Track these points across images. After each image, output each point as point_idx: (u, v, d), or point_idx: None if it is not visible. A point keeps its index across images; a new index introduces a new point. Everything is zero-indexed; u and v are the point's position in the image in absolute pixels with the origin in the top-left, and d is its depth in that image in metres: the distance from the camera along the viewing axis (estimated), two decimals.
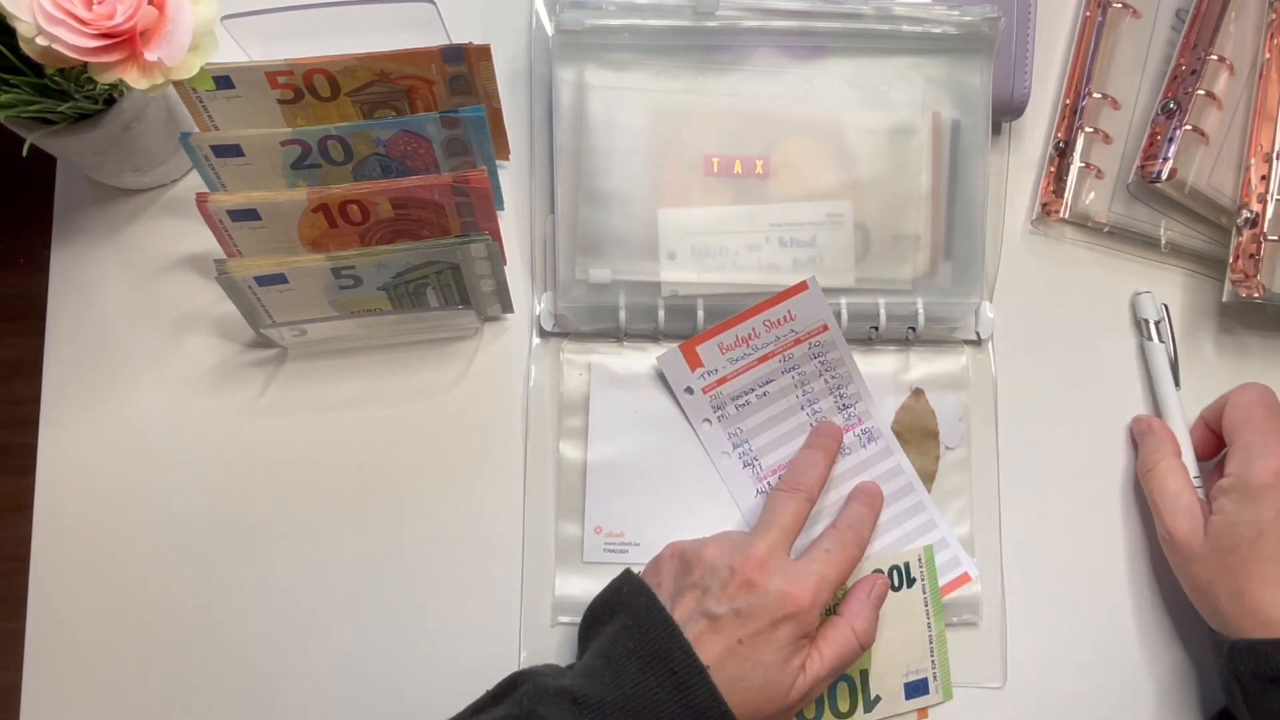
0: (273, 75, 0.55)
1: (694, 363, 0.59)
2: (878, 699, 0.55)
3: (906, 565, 0.57)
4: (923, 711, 0.56)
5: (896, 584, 0.56)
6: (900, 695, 0.56)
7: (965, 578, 0.59)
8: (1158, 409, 0.61)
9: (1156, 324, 0.61)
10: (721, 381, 0.59)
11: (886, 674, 0.56)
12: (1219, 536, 0.52)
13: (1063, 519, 0.61)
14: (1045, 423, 0.61)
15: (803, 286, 0.57)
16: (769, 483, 0.59)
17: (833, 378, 0.59)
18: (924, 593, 0.56)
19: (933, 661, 0.56)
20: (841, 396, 0.59)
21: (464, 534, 0.59)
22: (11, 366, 0.61)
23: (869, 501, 0.56)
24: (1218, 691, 0.57)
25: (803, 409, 0.60)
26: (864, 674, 0.55)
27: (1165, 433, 0.58)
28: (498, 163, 0.63)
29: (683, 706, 0.46)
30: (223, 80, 0.54)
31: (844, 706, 0.55)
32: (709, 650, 0.47)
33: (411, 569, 0.59)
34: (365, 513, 0.59)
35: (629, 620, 0.49)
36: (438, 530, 0.59)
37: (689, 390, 0.59)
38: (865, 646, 0.52)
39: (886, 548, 0.58)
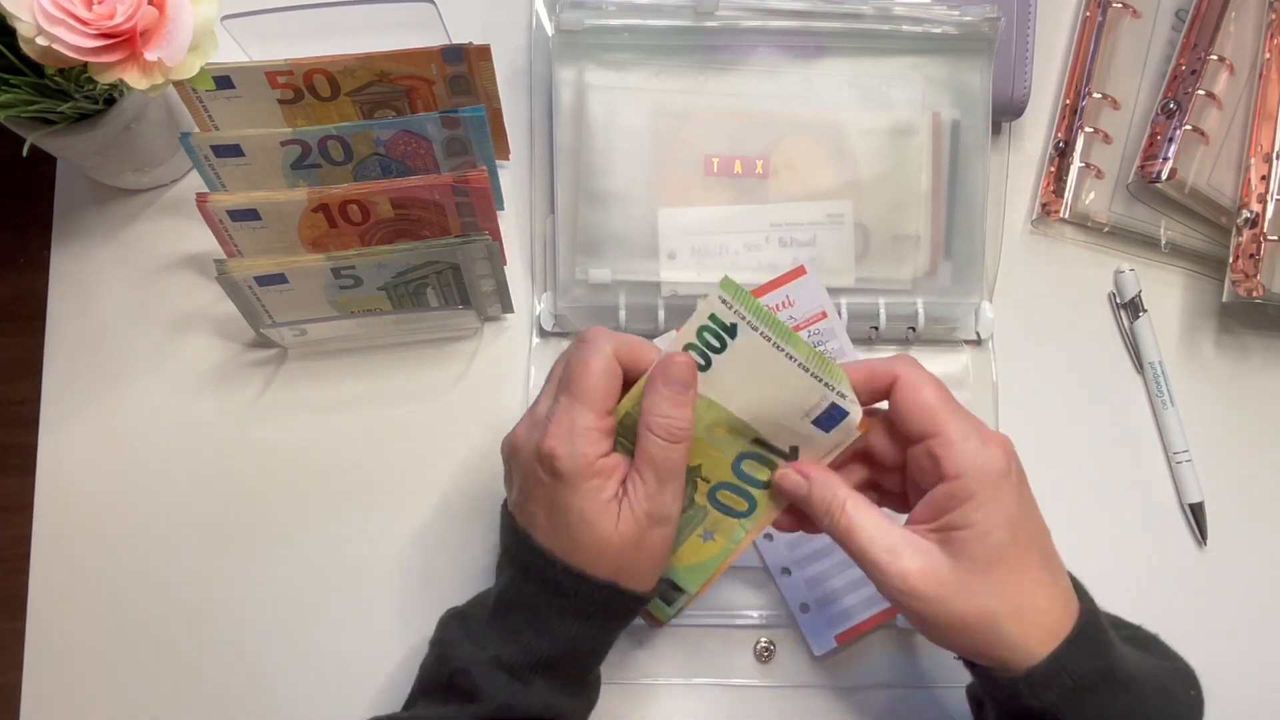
0: (273, 75, 0.55)
1: None
2: (794, 449, 0.48)
3: (714, 321, 0.45)
4: (863, 425, 0.46)
5: (717, 345, 0.46)
6: (817, 434, 0.47)
7: None
8: (1153, 404, 0.61)
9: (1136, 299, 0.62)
10: None
11: (786, 426, 0.47)
12: (974, 555, 0.42)
13: (1063, 518, 0.60)
14: (1045, 422, 0.61)
15: (800, 271, 0.57)
16: None
17: None
18: (755, 330, 0.45)
19: (825, 383, 0.45)
20: None
21: (464, 533, 0.59)
22: (11, 366, 0.61)
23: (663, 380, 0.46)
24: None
25: None
26: (759, 442, 0.48)
27: (825, 471, 0.47)
28: (498, 163, 0.63)
29: (550, 588, 0.46)
30: (223, 80, 0.55)
31: (762, 476, 0.49)
32: (540, 532, 0.46)
33: (412, 569, 0.59)
34: (365, 512, 0.59)
35: (503, 538, 0.49)
36: (438, 530, 0.59)
37: None
38: (668, 434, 0.44)
39: None
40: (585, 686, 0.50)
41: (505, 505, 0.49)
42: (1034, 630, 0.43)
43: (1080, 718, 0.43)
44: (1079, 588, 0.46)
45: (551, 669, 0.46)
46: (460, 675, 0.46)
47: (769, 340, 0.45)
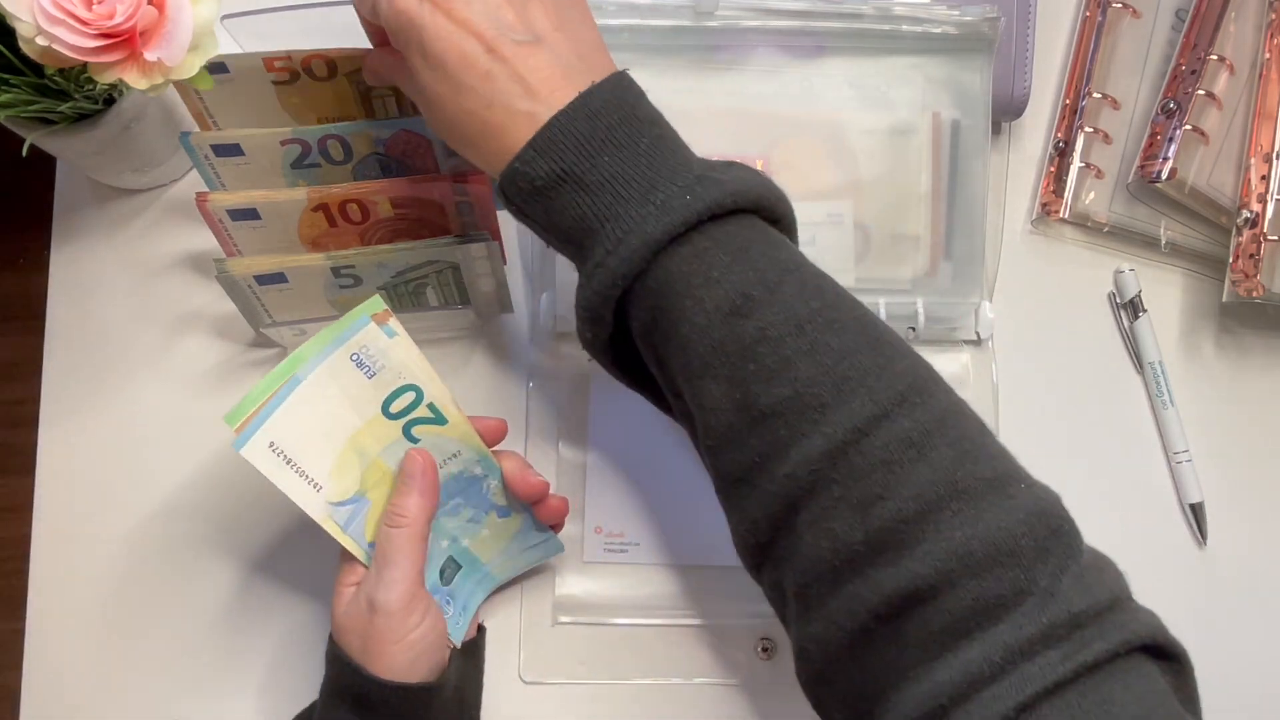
0: (270, 60, 0.54)
1: None
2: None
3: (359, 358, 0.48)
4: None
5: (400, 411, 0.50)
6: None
7: None
8: (1153, 404, 0.61)
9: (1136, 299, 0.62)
10: None
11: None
12: (440, 103, 0.43)
13: None
14: (1045, 422, 0.61)
15: None
16: None
17: None
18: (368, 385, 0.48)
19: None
20: None
21: None
22: (11, 366, 0.61)
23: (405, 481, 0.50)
24: None
25: None
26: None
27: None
28: None
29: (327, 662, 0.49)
30: (217, 66, 0.54)
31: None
32: None
33: None
34: None
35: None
36: None
37: None
38: (389, 519, 0.48)
39: None
40: None
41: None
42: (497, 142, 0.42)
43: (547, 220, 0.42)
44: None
45: None
46: None
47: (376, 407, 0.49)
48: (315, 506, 0.49)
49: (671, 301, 0.40)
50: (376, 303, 0.48)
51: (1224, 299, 0.60)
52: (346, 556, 0.50)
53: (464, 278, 0.57)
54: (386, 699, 0.47)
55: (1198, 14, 0.62)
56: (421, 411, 0.50)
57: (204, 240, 0.55)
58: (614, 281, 0.40)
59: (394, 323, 0.48)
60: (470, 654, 0.54)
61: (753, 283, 0.39)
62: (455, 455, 0.51)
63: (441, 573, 0.53)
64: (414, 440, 0.50)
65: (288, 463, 0.47)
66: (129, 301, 0.62)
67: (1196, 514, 0.61)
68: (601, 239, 0.40)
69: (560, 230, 0.42)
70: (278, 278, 0.54)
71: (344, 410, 0.48)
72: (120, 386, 0.61)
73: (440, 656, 0.50)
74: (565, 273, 0.59)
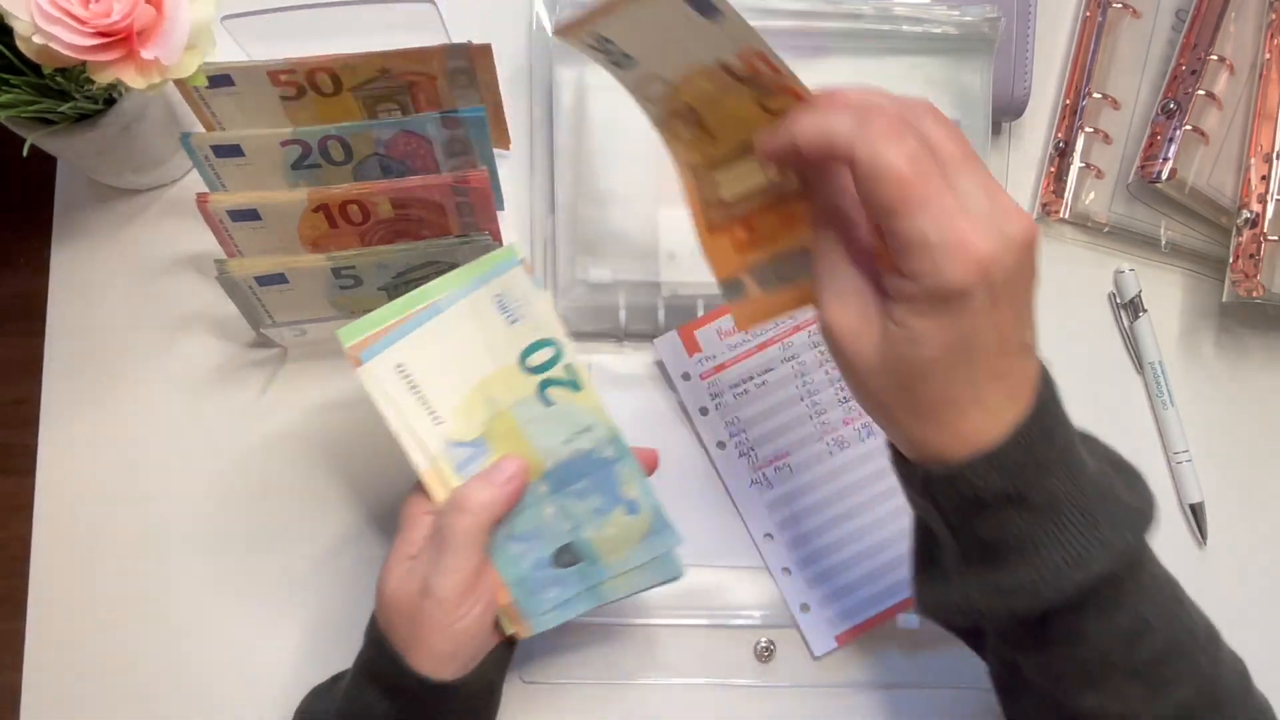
0: (275, 74, 0.55)
1: (692, 347, 0.59)
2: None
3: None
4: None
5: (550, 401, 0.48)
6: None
7: None
8: (1153, 404, 0.61)
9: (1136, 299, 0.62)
10: (720, 368, 0.59)
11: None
12: (898, 357, 0.37)
13: None
14: None
15: None
16: (764, 473, 0.59)
17: (833, 368, 0.59)
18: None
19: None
20: (843, 388, 0.59)
21: None
22: (11, 366, 0.61)
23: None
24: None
25: (802, 400, 0.59)
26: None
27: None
28: (499, 151, 0.63)
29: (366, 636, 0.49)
30: (223, 79, 0.54)
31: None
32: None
33: None
34: (365, 512, 0.59)
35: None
36: None
37: (686, 376, 0.59)
38: (455, 502, 0.46)
39: (879, 544, 0.59)
40: None
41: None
42: (941, 438, 0.38)
43: (970, 533, 0.40)
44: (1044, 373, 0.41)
45: None
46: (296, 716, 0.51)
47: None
48: (431, 440, 0.47)
49: (1084, 621, 0.40)
50: (515, 250, 0.47)
51: (1224, 299, 0.60)
52: (411, 526, 0.48)
53: None
54: (420, 695, 0.46)
55: (1198, 14, 0.62)
56: (558, 372, 0.48)
57: (204, 240, 0.55)
58: (1038, 605, 0.39)
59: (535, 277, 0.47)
60: (507, 645, 0.52)
61: (1151, 612, 0.42)
62: (586, 430, 0.49)
63: (557, 555, 0.50)
64: (548, 402, 0.48)
65: (412, 388, 0.46)
66: (129, 301, 0.62)
67: (1196, 514, 0.61)
68: (1036, 564, 0.39)
69: (975, 536, 0.40)
70: (278, 278, 0.54)
71: (479, 350, 0.47)
72: (120, 386, 0.61)
73: (483, 647, 0.48)
74: (566, 273, 0.59)
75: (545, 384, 0.48)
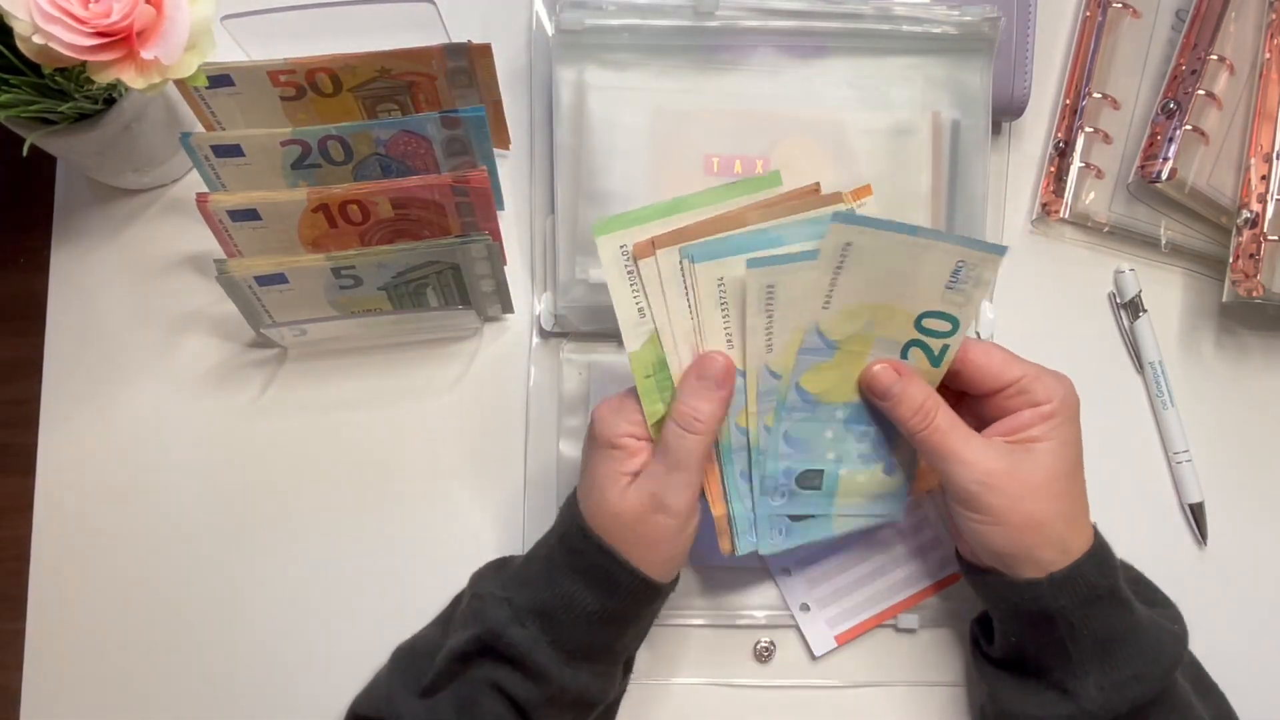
0: (274, 74, 0.55)
1: None
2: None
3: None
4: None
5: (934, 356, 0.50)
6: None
7: (955, 577, 0.58)
8: (1153, 404, 0.61)
9: (1136, 299, 0.62)
10: None
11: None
12: (1053, 464, 0.48)
13: None
14: None
15: None
16: None
17: None
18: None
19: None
20: None
21: (464, 533, 0.59)
22: (11, 366, 0.61)
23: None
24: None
25: None
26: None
27: (920, 377, 0.50)
28: (499, 151, 0.63)
29: (563, 542, 0.50)
30: (223, 79, 0.55)
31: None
32: (579, 490, 0.51)
33: (412, 568, 0.59)
34: (365, 512, 0.59)
35: None
36: (438, 530, 0.59)
37: None
38: (684, 422, 0.47)
39: (879, 544, 0.59)
40: (585, 657, 0.50)
41: None
42: (1067, 541, 0.48)
43: (1087, 623, 0.48)
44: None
45: (547, 618, 0.49)
46: (475, 600, 0.52)
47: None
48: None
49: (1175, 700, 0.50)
50: (1005, 249, 0.48)
51: (1224, 299, 0.60)
52: (621, 448, 0.48)
53: (464, 278, 0.57)
54: (637, 592, 0.49)
55: (1198, 14, 0.62)
56: (934, 344, 0.49)
57: (204, 240, 0.55)
58: (1149, 693, 0.48)
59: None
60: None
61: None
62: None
63: (804, 474, 0.51)
64: (904, 356, 0.50)
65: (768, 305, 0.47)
66: (129, 301, 0.62)
67: (1196, 514, 0.61)
68: (1144, 652, 0.49)
69: (1091, 630, 0.48)
70: (278, 278, 0.54)
71: (898, 282, 0.48)
72: (120, 386, 0.61)
73: (684, 561, 0.51)
74: (566, 273, 0.59)
75: (915, 342, 0.49)
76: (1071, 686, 0.49)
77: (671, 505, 0.48)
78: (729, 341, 0.48)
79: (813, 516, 0.52)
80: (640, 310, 0.47)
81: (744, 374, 0.49)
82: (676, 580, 0.52)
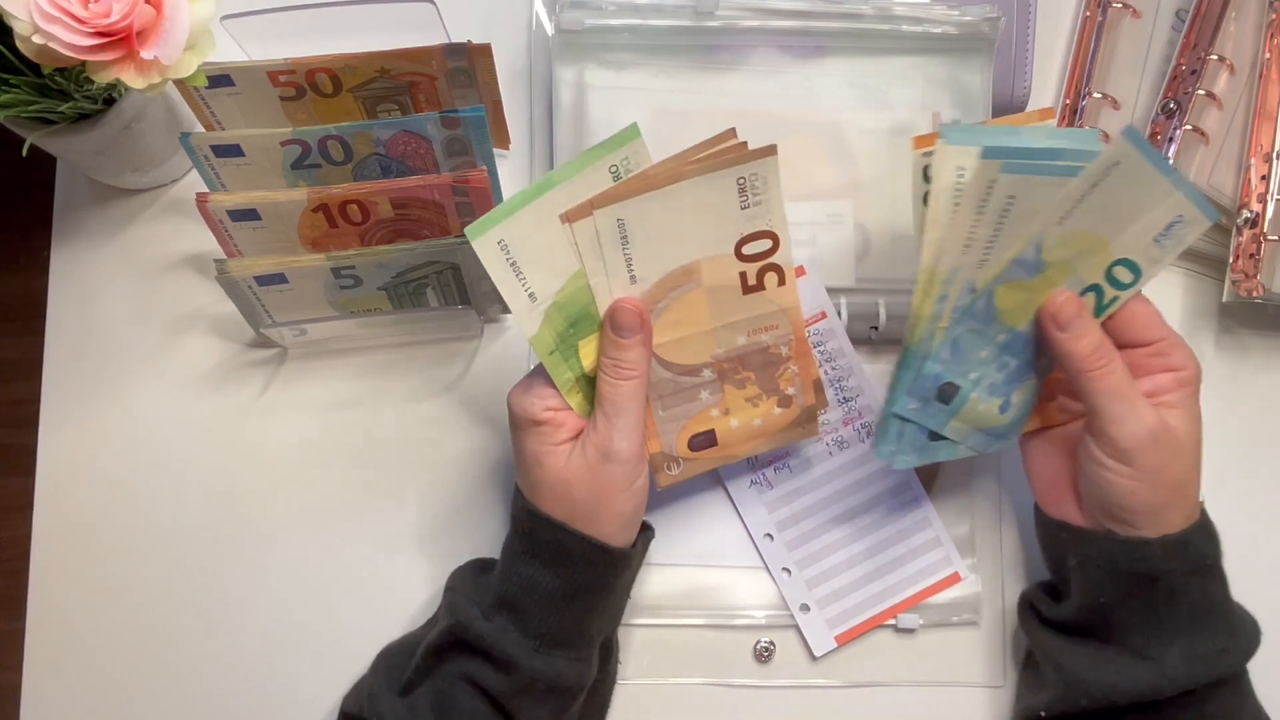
0: (274, 74, 0.55)
1: None
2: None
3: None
4: None
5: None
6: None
7: (955, 577, 0.58)
8: None
9: None
10: None
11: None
12: (1193, 430, 0.49)
13: None
14: None
15: (800, 271, 0.57)
16: (764, 474, 0.59)
17: (833, 369, 0.59)
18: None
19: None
20: (842, 389, 0.59)
21: (464, 534, 0.59)
22: (11, 366, 0.61)
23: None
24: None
25: None
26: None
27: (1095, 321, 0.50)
28: (499, 151, 0.63)
29: (516, 530, 0.51)
30: (223, 79, 0.55)
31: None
32: (519, 479, 0.52)
33: (411, 568, 0.59)
34: (365, 512, 0.59)
35: None
36: (438, 530, 0.59)
37: None
38: (613, 373, 0.48)
39: (879, 544, 0.59)
40: (556, 643, 0.49)
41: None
42: (1189, 507, 0.49)
43: (1187, 591, 0.49)
44: None
45: (513, 607, 0.49)
46: (447, 594, 0.52)
47: None
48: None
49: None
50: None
51: (1224, 299, 0.60)
52: (543, 421, 0.49)
53: (464, 278, 0.57)
54: (592, 559, 0.49)
55: (1198, 14, 0.62)
56: (1110, 292, 0.49)
57: (204, 240, 0.55)
58: (1226, 670, 0.49)
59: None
60: (645, 541, 0.54)
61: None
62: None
63: (945, 386, 0.51)
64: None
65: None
66: (129, 301, 0.62)
67: None
68: (1231, 629, 0.50)
69: (1189, 599, 0.49)
70: (278, 278, 0.54)
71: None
72: (120, 386, 0.61)
73: (640, 518, 0.51)
74: None
75: (1096, 286, 0.49)
76: (1155, 653, 0.49)
77: (620, 451, 0.48)
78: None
79: (944, 440, 0.52)
80: (531, 295, 0.48)
81: (950, 283, 0.48)
82: (639, 552, 0.52)
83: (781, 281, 0.50)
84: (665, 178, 0.47)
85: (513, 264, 0.47)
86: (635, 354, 0.49)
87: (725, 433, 0.53)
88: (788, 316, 0.51)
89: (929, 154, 0.47)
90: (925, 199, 0.48)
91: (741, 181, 0.47)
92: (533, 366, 0.61)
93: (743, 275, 0.50)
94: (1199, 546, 0.49)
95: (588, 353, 0.49)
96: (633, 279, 0.49)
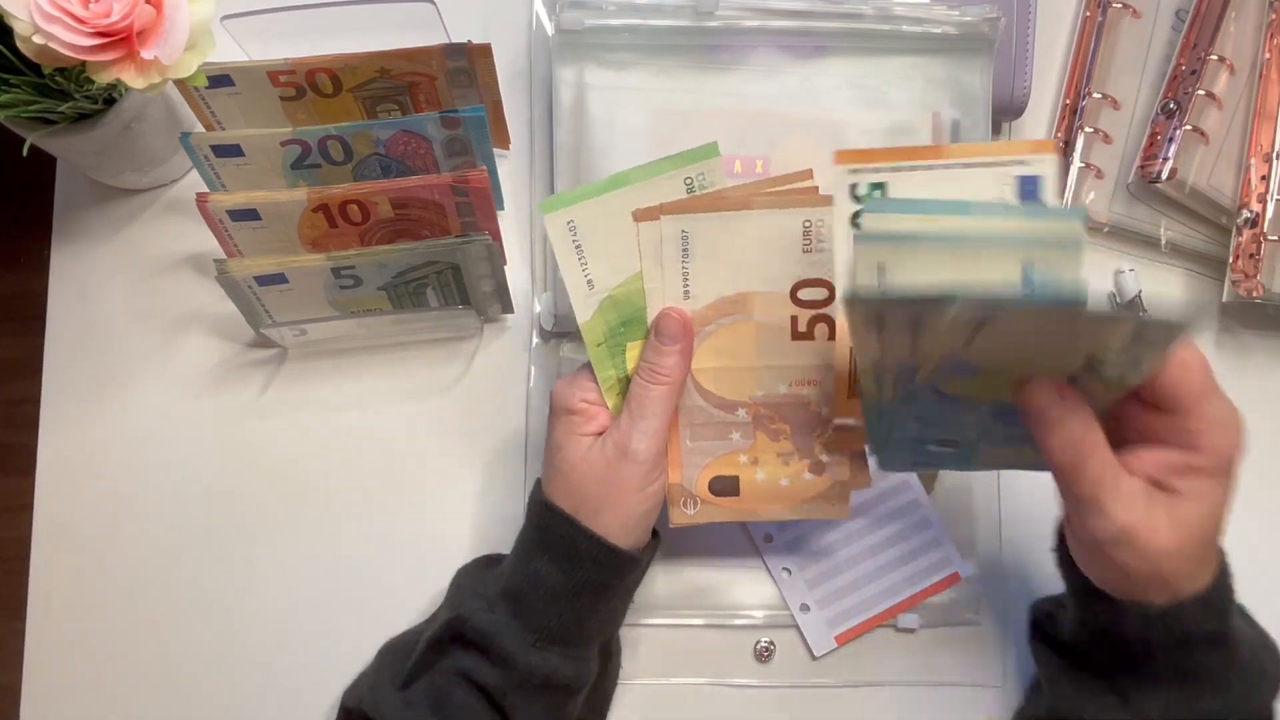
0: (274, 74, 0.55)
1: None
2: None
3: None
4: None
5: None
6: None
7: (955, 577, 0.58)
8: None
9: (1136, 299, 0.62)
10: None
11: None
12: (1198, 527, 0.43)
13: None
14: None
15: None
16: None
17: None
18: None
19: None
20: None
21: (464, 534, 0.59)
22: (11, 366, 0.61)
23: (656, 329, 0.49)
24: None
25: None
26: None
27: (1085, 405, 0.43)
28: (499, 151, 0.63)
29: (530, 523, 0.51)
30: (223, 79, 0.55)
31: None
32: (543, 469, 0.52)
33: (412, 568, 0.59)
34: (365, 512, 0.59)
35: None
36: (438, 530, 0.59)
37: None
38: (648, 376, 0.48)
39: (879, 544, 0.59)
40: (554, 640, 0.49)
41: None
42: (1181, 585, 0.45)
43: (1170, 659, 0.46)
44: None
45: (517, 600, 0.49)
46: (452, 589, 0.53)
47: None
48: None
49: None
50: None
51: (1224, 299, 0.60)
52: (577, 412, 0.49)
53: (464, 278, 0.57)
54: (598, 558, 0.48)
55: (1198, 14, 0.62)
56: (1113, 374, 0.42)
57: (204, 240, 0.55)
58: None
59: None
60: (653, 548, 0.53)
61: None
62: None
63: (942, 440, 0.48)
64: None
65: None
66: (129, 301, 0.62)
67: None
68: (1226, 698, 0.47)
69: (1174, 665, 0.46)
70: (278, 278, 0.54)
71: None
72: (120, 386, 0.61)
73: (653, 522, 0.51)
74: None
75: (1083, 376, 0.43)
76: (1134, 698, 0.47)
77: (638, 451, 0.48)
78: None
79: (958, 445, 0.48)
80: (589, 282, 0.48)
81: (880, 377, 0.44)
82: (646, 558, 0.52)
83: (831, 335, 0.49)
84: (736, 202, 0.47)
85: (578, 246, 0.47)
86: (672, 361, 0.48)
87: (749, 484, 0.51)
88: (833, 374, 0.49)
89: (856, 171, 0.45)
90: (854, 219, 0.45)
91: (808, 225, 0.47)
92: (537, 364, 0.61)
93: (794, 320, 0.49)
94: (1184, 623, 0.45)
95: (633, 356, 0.49)
96: (686, 294, 0.49)
